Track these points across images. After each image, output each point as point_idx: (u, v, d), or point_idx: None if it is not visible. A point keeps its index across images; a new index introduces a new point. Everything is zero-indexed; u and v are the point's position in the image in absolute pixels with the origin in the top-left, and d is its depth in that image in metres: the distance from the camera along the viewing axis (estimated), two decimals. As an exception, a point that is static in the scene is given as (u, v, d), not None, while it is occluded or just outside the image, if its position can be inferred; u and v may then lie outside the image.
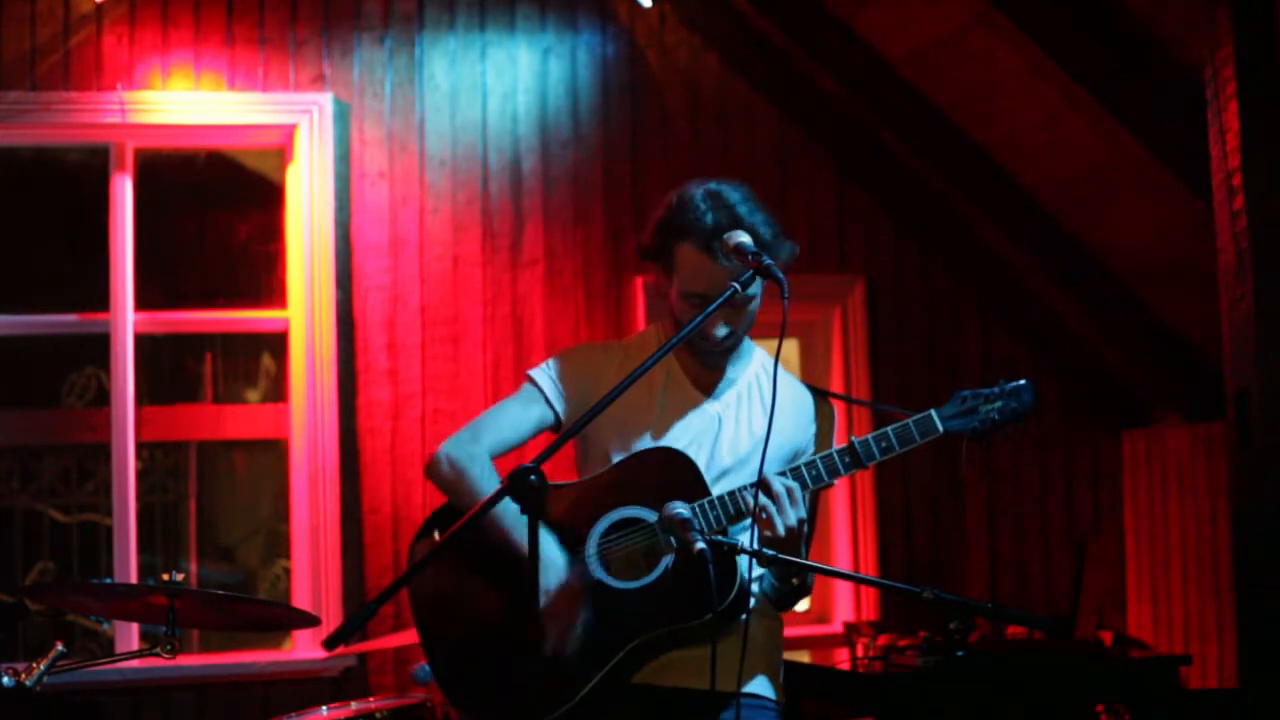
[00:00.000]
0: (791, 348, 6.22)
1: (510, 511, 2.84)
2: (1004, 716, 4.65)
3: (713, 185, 2.97)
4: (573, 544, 2.96)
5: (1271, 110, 4.02)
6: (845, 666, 4.91)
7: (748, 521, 2.91)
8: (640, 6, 5.93)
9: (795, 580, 2.98)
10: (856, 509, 6.07)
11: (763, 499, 2.84)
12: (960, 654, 4.66)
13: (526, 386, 3.10)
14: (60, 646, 3.20)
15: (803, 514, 2.86)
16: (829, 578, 5.98)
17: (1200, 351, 5.75)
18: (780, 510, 2.83)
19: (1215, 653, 5.72)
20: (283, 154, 5.81)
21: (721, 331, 2.96)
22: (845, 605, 6.02)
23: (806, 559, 2.94)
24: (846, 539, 6.07)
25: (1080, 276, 5.93)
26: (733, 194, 2.95)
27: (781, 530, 2.83)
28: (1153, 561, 6.13)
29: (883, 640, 5.03)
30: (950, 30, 5.24)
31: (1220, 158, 4.08)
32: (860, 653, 5.01)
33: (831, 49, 5.77)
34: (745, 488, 2.91)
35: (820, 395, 3.14)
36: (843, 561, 6.05)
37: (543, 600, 2.88)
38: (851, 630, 5.31)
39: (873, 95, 5.84)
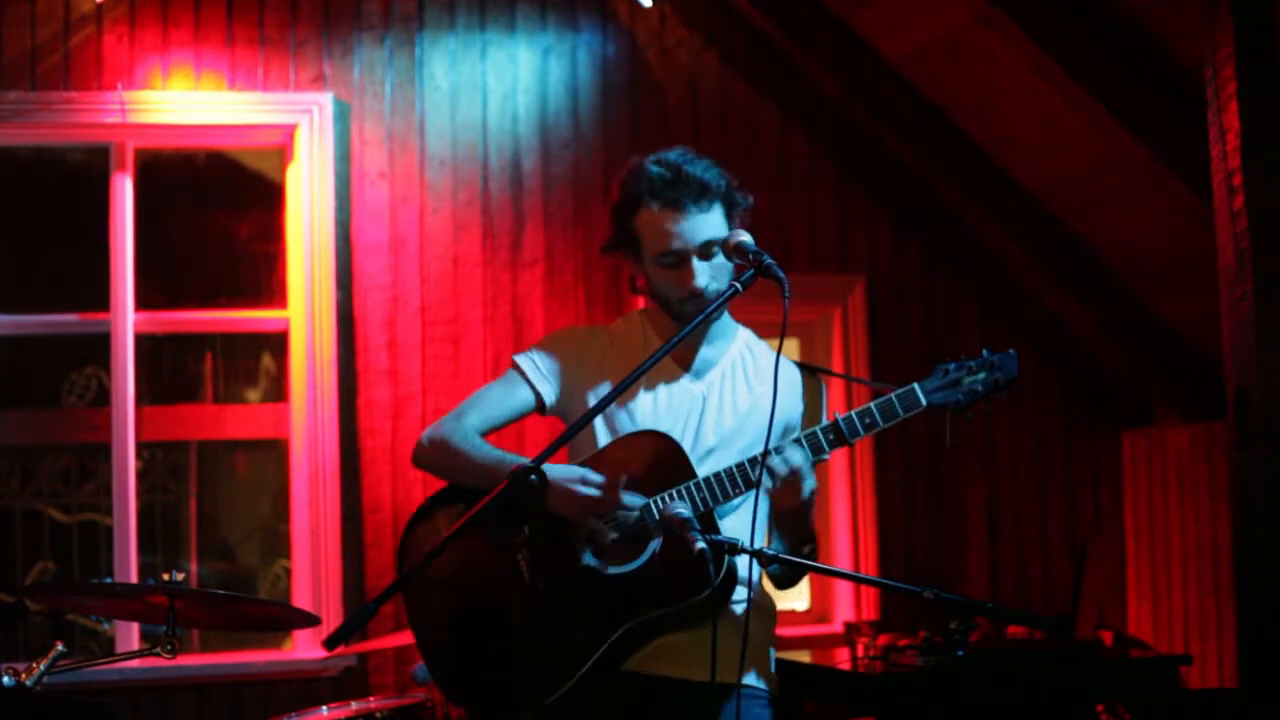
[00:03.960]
0: (791, 348, 6.22)
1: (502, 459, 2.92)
2: (1004, 716, 4.65)
3: (651, 155, 3.04)
4: (561, 530, 2.93)
5: (1271, 110, 4.02)
6: (845, 666, 4.91)
7: (736, 501, 2.92)
8: (640, 6, 5.93)
9: (806, 549, 2.99)
10: (857, 508, 6.07)
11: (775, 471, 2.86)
12: (960, 654, 4.66)
13: (509, 370, 3.11)
14: (60, 646, 3.20)
15: (813, 484, 2.88)
16: (829, 577, 5.99)
17: (1200, 351, 5.75)
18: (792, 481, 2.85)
19: (1215, 653, 5.72)
20: (283, 154, 5.80)
21: (703, 280, 2.95)
22: (845, 605, 6.02)
23: (814, 525, 2.99)
24: (847, 539, 6.07)
25: (1080, 276, 5.93)
26: (672, 152, 3.04)
27: (795, 500, 2.85)
28: (1153, 561, 6.13)
29: (883, 640, 5.03)
30: (950, 30, 5.24)
31: (1220, 158, 4.08)
32: (860, 653, 5.01)
33: (831, 49, 5.77)
34: (731, 468, 2.90)
35: (807, 371, 3.14)
36: (843, 561, 6.04)
37: (579, 489, 2.87)
38: (851, 630, 5.31)
39: (873, 95, 5.84)
